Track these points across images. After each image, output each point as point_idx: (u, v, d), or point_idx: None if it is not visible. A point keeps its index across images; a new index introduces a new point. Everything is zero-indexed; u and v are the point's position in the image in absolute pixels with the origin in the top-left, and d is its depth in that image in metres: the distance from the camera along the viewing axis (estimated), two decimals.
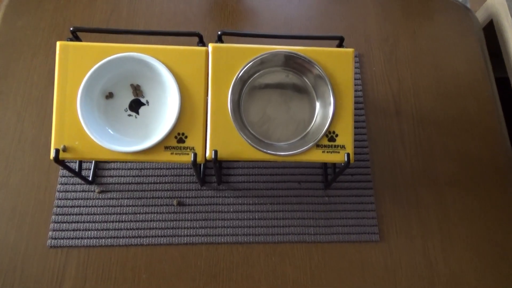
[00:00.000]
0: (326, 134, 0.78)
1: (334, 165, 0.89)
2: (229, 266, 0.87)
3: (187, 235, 0.89)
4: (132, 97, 0.80)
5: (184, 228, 0.89)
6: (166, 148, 0.76)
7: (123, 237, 0.88)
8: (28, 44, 1.07)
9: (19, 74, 1.03)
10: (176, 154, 0.76)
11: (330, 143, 0.78)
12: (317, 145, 0.78)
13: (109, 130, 0.78)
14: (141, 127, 0.79)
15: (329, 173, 0.96)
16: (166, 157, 0.76)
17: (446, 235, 0.93)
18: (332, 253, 0.90)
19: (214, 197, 0.92)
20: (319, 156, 0.78)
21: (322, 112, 0.81)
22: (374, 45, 1.13)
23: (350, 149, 0.78)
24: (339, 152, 0.78)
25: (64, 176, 0.92)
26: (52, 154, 0.74)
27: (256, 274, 0.87)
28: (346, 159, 0.77)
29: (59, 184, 0.92)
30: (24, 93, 1.01)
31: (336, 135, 0.78)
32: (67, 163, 0.89)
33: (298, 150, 0.77)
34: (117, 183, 0.92)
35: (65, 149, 0.75)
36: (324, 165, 0.96)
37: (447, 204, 0.96)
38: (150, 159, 0.76)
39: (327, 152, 0.78)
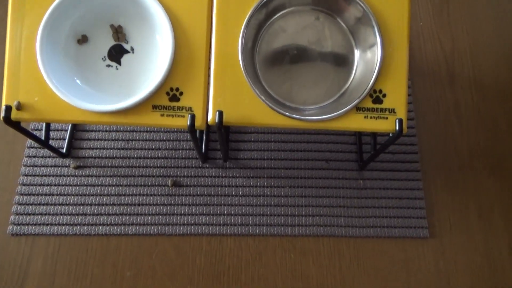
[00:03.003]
0: (370, 94, 0.58)
1: (373, 138, 0.69)
2: (237, 264, 0.69)
3: (184, 224, 0.70)
4: (112, 42, 0.61)
5: (180, 214, 0.71)
6: (155, 107, 0.57)
7: (104, 225, 0.70)
8: None
9: None
10: (167, 116, 0.57)
11: (376, 106, 0.58)
12: (358, 108, 0.58)
13: (79, 83, 0.59)
14: (123, 81, 0.60)
15: (364, 150, 0.76)
16: (154, 119, 0.57)
17: None
18: (368, 251, 0.70)
19: (218, 177, 0.73)
20: (360, 122, 0.58)
21: (364, 65, 0.61)
22: None
23: (402, 113, 0.58)
24: (387, 118, 0.58)
25: (32, 147, 0.74)
26: (2, 113, 0.56)
27: (270, 275, 0.68)
28: (397, 128, 0.57)
29: (26, 156, 0.74)
30: None
31: (384, 95, 0.58)
32: (30, 130, 0.71)
33: (332, 114, 0.57)
34: (98, 157, 0.74)
35: (19, 107, 0.56)
36: (359, 139, 0.76)
37: None
38: (133, 121, 0.57)
39: (371, 117, 0.58)
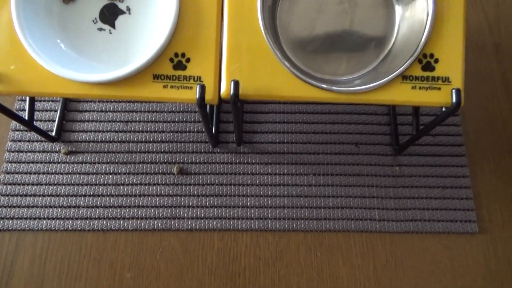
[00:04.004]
0: (418, 59, 0.47)
1: (416, 116, 0.59)
2: (254, 264, 0.59)
3: (192, 217, 0.61)
4: (104, 1, 0.51)
5: (188, 207, 0.61)
6: (156, 77, 0.47)
7: (100, 218, 0.60)
8: None
9: None
10: (172, 87, 0.47)
11: (426, 73, 0.47)
12: (404, 77, 0.47)
13: (64, 47, 0.49)
14: (118, 48, 0.50)
15: (400, 132, 0.66)
16: (156, 91, 0.47)
17: None
18: (406, 249, 0.60)
19: (231, 164, 0.64)
20: (406, 94, 0.47)
21: (408, 24, 0.50)
22: None
23: (459, 82, 0.47)
24: (439, 89, 0.47)
25: (17, 130, 0.65)
26: None
27: (293, 276, 0.59)
28: (454, 100, 0.46)
29: (10, 141, 0.64)
30: None
31: (436, 61, 0.47)
32: (15, 111, 0.62)
33: (373, 84, 0.47)
34: (92, 141, 0.64)
35: None
36: (393, 119, 0.66)
37: None
38: (130, 94, 0.47)
39: (420, 87, 0.47)
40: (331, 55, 0.52)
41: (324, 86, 0.47)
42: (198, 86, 0.46)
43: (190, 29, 0.47)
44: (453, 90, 0.46)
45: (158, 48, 0.46)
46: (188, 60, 0.47)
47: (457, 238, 0.61)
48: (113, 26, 0.51)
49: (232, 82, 0.46)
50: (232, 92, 0.46)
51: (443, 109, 0.48)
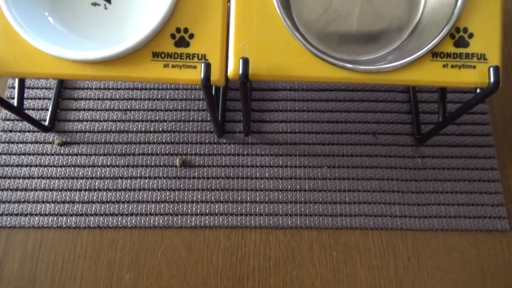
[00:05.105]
0: (450, 33, 0.42)
1: (443, 101, 0.53)
2: (264, 264, 0.54)
3: (197, 214, 0.56)
4: None
5: (192, 202, 0.56)
6: (156, 55, 0.42)
7: (96, 215, 0.56)
8: None
9: None
10: (173, 66, 0.42)
11: (459, 50, 0.42)
12: (434, 54, 0.42)
13: (52, 21, 0.44)
14: (114, 25, 0.46)
15: (421, 121, 0.60)
16: (155, 71, 0.42)
17: None
18: (430, 248, 0.55)
19: (239, 155, 0.59)
20: (437, 73, 0.42)
21: None
22: None
23: (496, 59, 0.42)
24: (474, 67, 0.42)
25: (7, 120, 0.60)
26: None
27: (307, 278, 0.54)
28: (491, 79, 0.41)
29: (0, 131, 0.60)
30: None
31: (470, 35, 0.42)
32: (6, 99, 0.58)
33: (399, 62, 0.42)
34: (88, 131, 0.60)
35: None
36: (414, 106, 0.60)
37: None
38: (127, 75, 0.42)
39: (453, 66, 0.42)
40: (349, 32, 0.47)
41: (347, 65, 0.42)
42: (203, 64, 0.41)
43: (194, 1, 0.42)
44: (491, 68, 0.41)
45: (158, 22, 0.41)
46: (191, 36, 0.42)
47: (486, 236, 0.56)
48: (108, 1, 0.46)
49: (240, 60, 0.41)
50: (241, 71, 0.41)
51: (478, 90, 0.43)
